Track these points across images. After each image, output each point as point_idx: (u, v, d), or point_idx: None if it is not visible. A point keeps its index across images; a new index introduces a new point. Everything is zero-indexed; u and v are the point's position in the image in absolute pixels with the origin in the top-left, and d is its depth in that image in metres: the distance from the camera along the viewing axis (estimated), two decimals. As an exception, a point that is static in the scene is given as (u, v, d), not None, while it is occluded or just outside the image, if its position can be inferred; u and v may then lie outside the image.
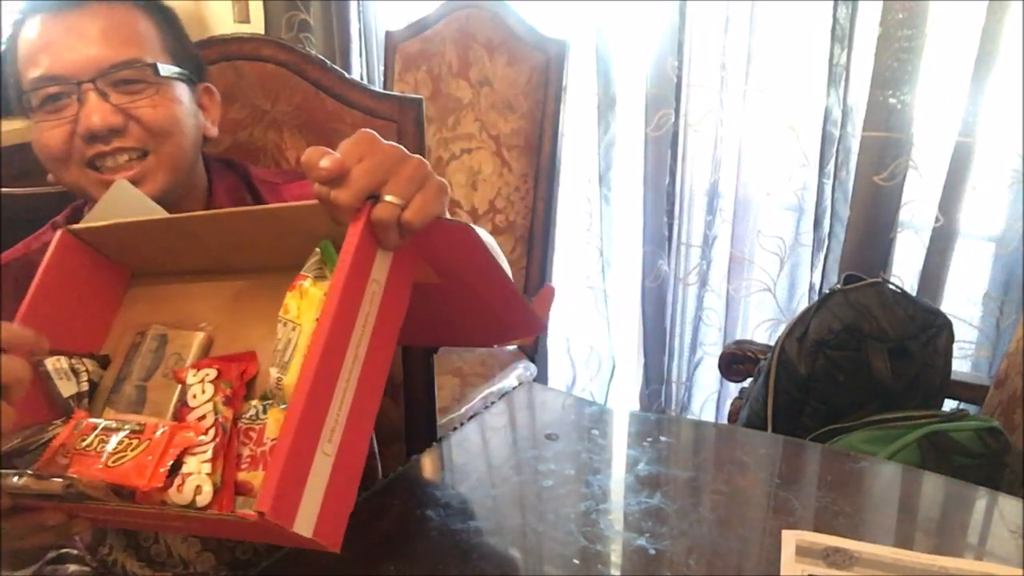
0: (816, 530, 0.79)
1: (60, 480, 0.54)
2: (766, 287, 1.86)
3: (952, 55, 1.52)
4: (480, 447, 0.96)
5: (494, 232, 1.69)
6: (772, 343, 1.54)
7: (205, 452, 0.56)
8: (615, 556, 0.77)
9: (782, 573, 0.73)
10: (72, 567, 0.90)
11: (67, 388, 0.67)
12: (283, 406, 0.59)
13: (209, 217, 0.67)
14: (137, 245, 0.74)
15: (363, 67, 2.26)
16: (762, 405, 1.46)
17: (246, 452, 0.59)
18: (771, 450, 0.99)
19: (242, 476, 0.58)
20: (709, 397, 2.03)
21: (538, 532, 0.79)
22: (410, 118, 1.16)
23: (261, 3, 2.27)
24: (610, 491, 0.87)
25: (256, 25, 2.32)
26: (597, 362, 2.12)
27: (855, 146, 1.65)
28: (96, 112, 0.78)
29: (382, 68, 1.99)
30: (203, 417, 0.59)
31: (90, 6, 0.81)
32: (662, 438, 0.97)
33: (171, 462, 0.55)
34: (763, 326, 1.90)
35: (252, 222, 0.65)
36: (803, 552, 0.76)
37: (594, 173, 1.95)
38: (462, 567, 0.74)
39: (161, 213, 0.74)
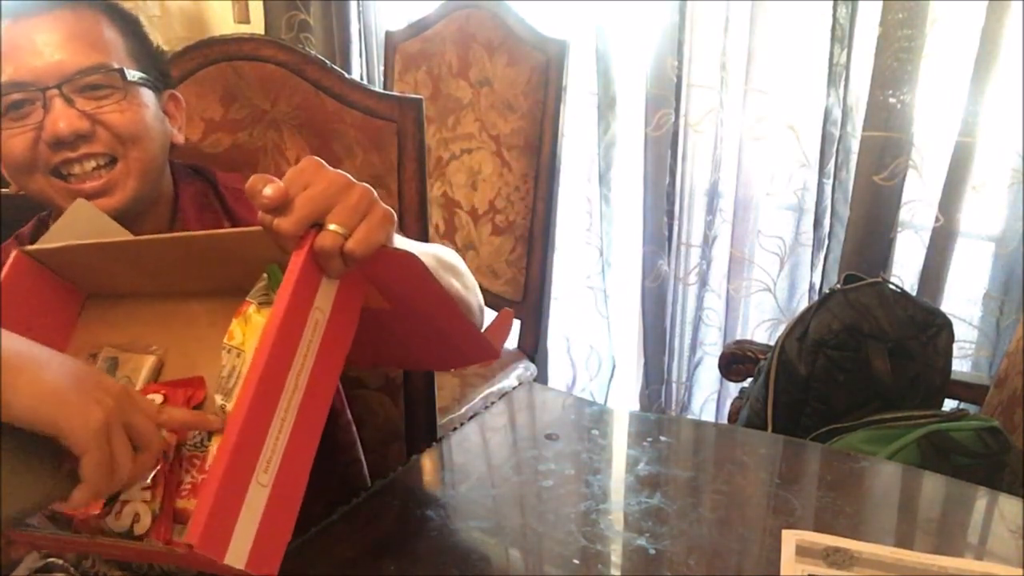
0: (816, 530, 0.79)
1: None
2: (766, 287, 1.86)
3: (952, 55, 1.52)
4: (480, 447, 0.96)
5: (494, 232, 1.69)
6: (772, 343, 1.54)
7: (145, 479, 0.56)
8: (615, 556, 0.77)
9: (782, 573, 0.73)
10: None
11: None
12: None
13: (160, 241, 0.66)
14: (91, 267, 0.72)
15: (363, 67, 2.26)
16: (762, 405, 1.46)
17: (187, 479, 0.58)
18: (771, 450, 0.99)
19: (181, 504, 0.57)
20: (709, 397, 2.03)
21: (538, 532, 0.79)
22: (410, 118, 1.15)
23: (261, 3, 2.27)
24: (610, 491, 0.87)
25: (256, 25, 2.32)
26: (597, 362, 2.12)
27: (855, 146, 1.65)
28: (62, 118, 0.76)
29: (382, 68, 1.99)
30: None
31: (54, 12, 0.79)
32: (662, 438, 0.97)
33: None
34: (763, 326, 1.90)
35: (201, 247, 0.64)
36: (803, 552, 0.76)
37: (594, 173, 1.95)
38: (462, 567, 0.74)
39: (121, 233, 0.74)
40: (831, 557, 0.75)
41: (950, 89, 1.53)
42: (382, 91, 1.18)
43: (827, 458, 1.01)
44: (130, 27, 0.85)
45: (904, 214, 1.64)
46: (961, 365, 1.62)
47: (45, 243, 0.71)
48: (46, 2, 0.79)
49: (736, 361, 1.62)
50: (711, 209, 1.84)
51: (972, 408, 1.44)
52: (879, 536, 0.79)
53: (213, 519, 0.48)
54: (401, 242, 0.66)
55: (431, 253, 0.83)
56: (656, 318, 1.99)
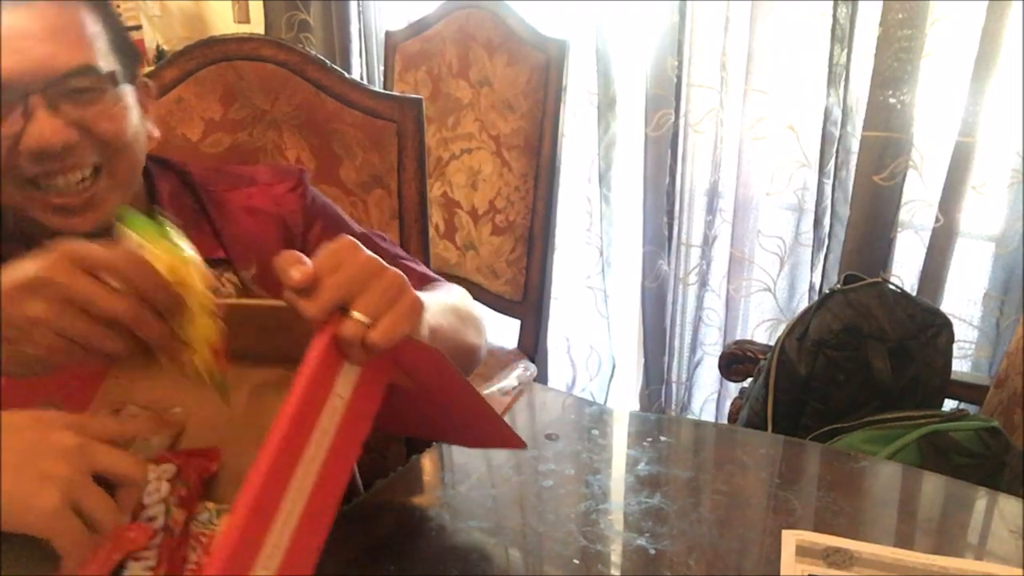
0: (816, 530, 0.79)
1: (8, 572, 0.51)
2: (766, 287, 1.86)
3: (952, 55, 1.52)
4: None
5: (494, 232, 1.69)
6: (772, 343, 1.54)
7: (149, 560, 0.54)
8: (615, 556, 0.77)
9: (782, 573, 0.73)
10: None
11: None
12: None
13: None
14: None
15: (363, 67, 2.26)
16: (762, 405, 1.46)
17: (193, 557, 0.56)
18: (771, 450, 0.99)
19: None
20: (709, 397, 2.03)
21: (538, 532, 0.79)
22: (410, 118, 1.16)
23: (261, 3, 2.27)
24: (610, 491, 0.87)
25: (256, 25, 2.32)
26: (597, 362, 2.12)
27: (855, 146, 1.65)
28: (47, 128, 0.67)
29: (382, 68, 1.99)
30: (153, 519, 0.56)
31: (32, 1, 0.69)
32: (662, 438, 0.97)
33: (113, 567, 0.53)
34: (763, 326, 1.90)
35: (235, 314, 0.61)
36: (803, 552, 0.76)
37: (594, 173, 1.95)
38: (462, 567, 0.74)
39: None
40: (831, 557, 0.75)
41: (950, 89, 1.53)
42: (382, 91, 1.18)
43: (827, 458, 1.01)
44: (108, 14, 0.77)
45: (904, 214, 1.64)
46: (961, 365, 1.62)
47: None
48: None
49: (736, 361, 1.62)
50: (711, 209, 1.84)
51: (972, 408, 1.44)
52: (879, 536, 0.79)
53: None
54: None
55: (449, 307, 0.80)
56: (656, 318, 1.99)
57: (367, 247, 0.79)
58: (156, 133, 0.82)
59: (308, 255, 0.79)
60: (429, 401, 0.67)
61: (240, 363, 0.63)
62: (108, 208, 0.73)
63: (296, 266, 0.52)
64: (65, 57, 0.69)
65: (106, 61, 0.73)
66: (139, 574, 0.54)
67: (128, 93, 0.76)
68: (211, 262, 0.77)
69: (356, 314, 0.52)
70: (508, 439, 0.74)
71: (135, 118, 0.76)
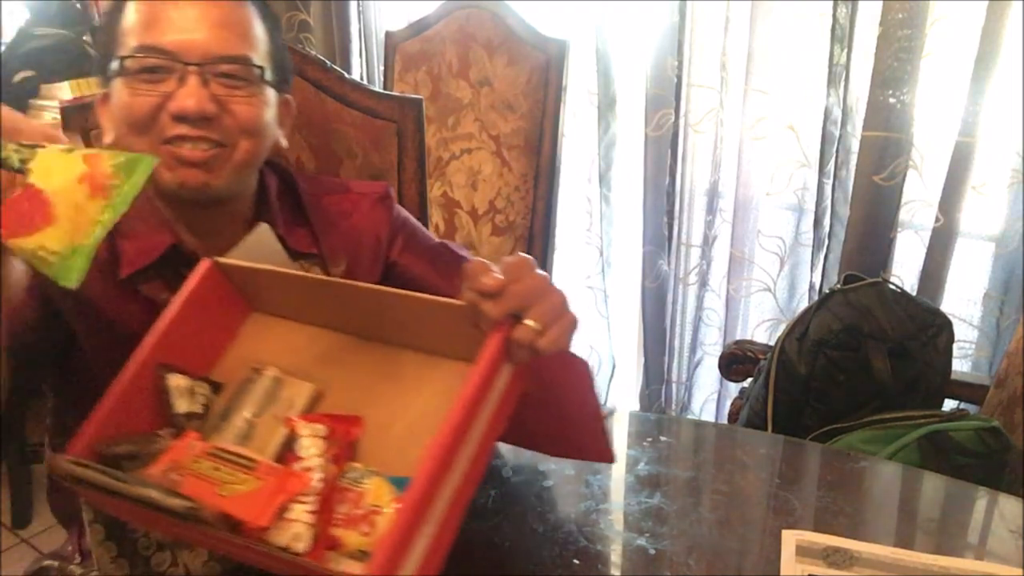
0: (816, 530, 0.79)
1: (183, 502, 0.56)
2: (766, 287, 1.86)
3: (952, 55, 1.52)
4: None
5: (494, 232, 1.70)
6: (772, 343, 1.54)
7: (308, 505, 0.60)
8: (615, 556, 0.77)
9: (782, 573, 0.73)
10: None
11: (181, 406, 0.70)
12: (384, 476, 0.64)
13: (353, 288, 0.71)
14: (269, 288, 0.77)
15: (363, 67, 2.26)
16: (762, 405, 1.46)
17: (342, 510, 0.62)
18: (771, 450, 0.99)
19: (335, 532, 0.61)
20: (709, 397, 2.03)
21: (538, 532, 0.79)
22: (410, 118, 1.16)
23: (261, 3, 2.26)
24: (610, 491, 0.87)
25: (256, 25, 2.31)
26: (597, 362, 2.12)
27: (855, 146, 1.65)
28: (194, 95, 0.78)
29: (382, 68, 1.99)
30: (310, 469, 0.63)
31: None
32: (662, 438, 0.97)
33: (279, 508, 0.59)
34: (763, 326, 1.90)
35: (389, 302, 0.69)
36: (803, 552, 0.76)
37: (594, 173, 1.94)
38: (462, 567, 0.74)
39: (289, 264, 0.82)
40: (831, 557, 0.75)
41: (950, 89, 1.53)
42: (382, 91, 1.18)
43: (827, 458, 1.01)
44: (275, 28, 0.89)
45: (904, 214, 1.64)
46: (961, 365, 1.62)
47: (231, 258, 0.76)
48: None
49: (736, 361, 1.62)
50: (711, 209, 1.84)
51: (972, 408, 1.44)
52: (879, 536, 0.79)
53: (390, 562, 0.54)
54: None
55: None
56: (656, 318, 1.99)
57: (445, 255, 0.98)
58: (284, 143, 0.92)
59: (390, 263, 0.97)
60: (544, 410, 0.72)
61: (375, 340, 0.74)
62: (219, 180, 0.82)
63: (488, 274, 0.60)
64: (225, 44, 0.80)
65: (260, 61, 0.83)
66: (300, 516, 0.60)
67: (270, 94, 0.86)
68: (305, 256, 0.93)
69: (530, 321, 0.61)
70: (603, 453, 0.80)
71: (268, 116, 0.85)
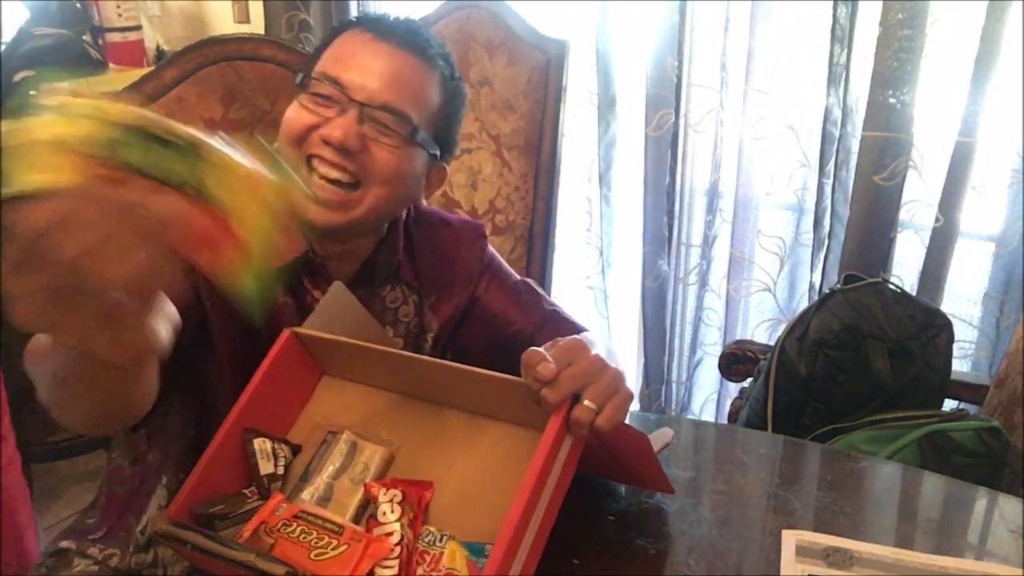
0: (816, 530, 0.79)
1: (282, 567, 0.61)
2: (766, 287, 1.86)
3: (952, 55, 1.52)
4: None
5: (494, 232, 1.70)
6: (772, 343, 1.54)
7: (392, 568, 0.65)
8: (615, 556, 0.77)
9: (782, 573, 0.73)
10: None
11: (265, 468, 0.75)
12: (458, 540, 0.69)
13: (428, 363, 0.75)
14: (344, 355, 0.81)
15: (363, 67, 2.26)
16: (762, 405, 1.46)
17: (420, 571, 0.66)
18: (771, 450, 0.99)
19: None
20: (709, 397, 2.03)
21: (538, 532, 0.79)
22: (410, 118, 1.15)
23: (261, 3, 2.26)
24: (611, 491, 0.87)
25: (256, 25, 2.31)
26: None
27: (855, 146, 1.65)
28: (343, 127, 0.84)
29: (382, 68, 1.99)
30: (391, 534, 0.67)
31: (406, 52, 0.88)
32: (662, 438, 0.97)
33: (367, 572, 0.63)
34: (763, 326, 1.90)
35: (464, 377, 0.73)
36: (803, 552, 0.76)
37: (594, 173, 1.94)
38: (462, 567, 0.74)
39: (369, 320, 0.87)
40: (831, 557, 0.75)
41: (950, 89, 1.53)
42: (382, 91, 1.18)
43: (827, 458, 1.01)
44: (454, 100, 0.94)
45: (904, 214, 1.64)
46: (961, 365, 1.62)
47: (312, 322, 0.81)
48: (408, 40, 0.88)
49: (736, 361, 1.62)
50: (711, 209, 1.84)
51: (972, 408, 1.44)
52: (879, 536, 0.79)
53: None
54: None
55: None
56: (656, 318, 1.99)
57: (525, 294, 1.05)
58: (422, 203, 0.98)
59: (475, 298, 1.04)
60: (606, 454, 0.76)
61: (445, 406, 0.78)
62: (345, 217, 0.86)
63: (543, 363, 0.64)
64: (391, 95, 0.86)
65: (419, 121, 0.88)
66: None
67: (420, 156, 0.90)
68: (404, 284, 0.99)
69: (587, 403, 0.65)
70: (663, 485, 0.84)
71: (407, 172, 0.89)
